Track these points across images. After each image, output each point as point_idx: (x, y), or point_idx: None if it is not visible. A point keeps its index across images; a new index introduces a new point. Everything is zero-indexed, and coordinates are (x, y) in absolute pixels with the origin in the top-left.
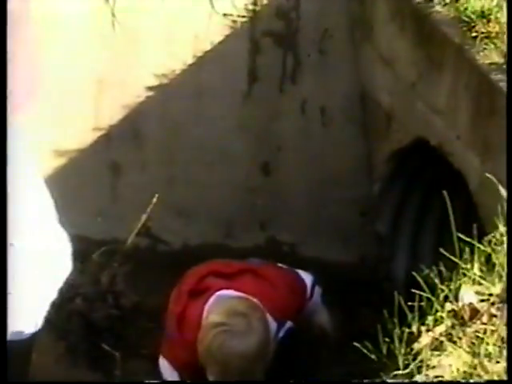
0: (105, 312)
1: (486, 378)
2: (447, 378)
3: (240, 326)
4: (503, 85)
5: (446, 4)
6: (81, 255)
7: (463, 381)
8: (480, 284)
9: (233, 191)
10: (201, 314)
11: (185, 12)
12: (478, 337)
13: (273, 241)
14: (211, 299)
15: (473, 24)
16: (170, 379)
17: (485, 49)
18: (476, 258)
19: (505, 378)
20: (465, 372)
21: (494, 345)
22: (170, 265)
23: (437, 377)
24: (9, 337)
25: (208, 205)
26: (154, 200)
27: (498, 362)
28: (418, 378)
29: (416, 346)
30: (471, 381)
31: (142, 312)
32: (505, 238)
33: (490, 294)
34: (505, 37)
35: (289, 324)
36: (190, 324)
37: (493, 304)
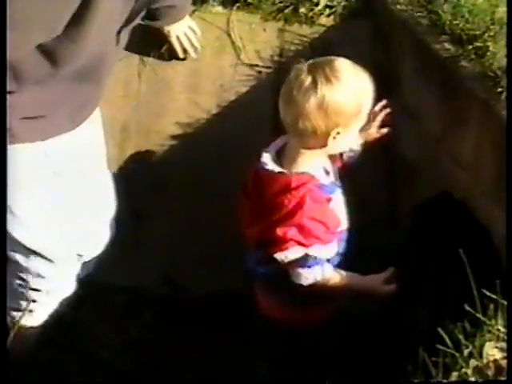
0: (135, 364)
1: None
2: None
3: None
4: None
5: (471, 59)
6: (102, 302)
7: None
8: (504, 340)
9: None
10: None
11: (210, 62)
12: None
13: None
14: None
15: (498, 79)
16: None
17: None
18: (500, 314)
19: None
20: None
21: None
22: (193, 314)
23: None
24: None
25: (232, 253)
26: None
27: None
28: None
29: None
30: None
31: (172, 363)
32: None
33: None
34: None
35: None
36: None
37: None
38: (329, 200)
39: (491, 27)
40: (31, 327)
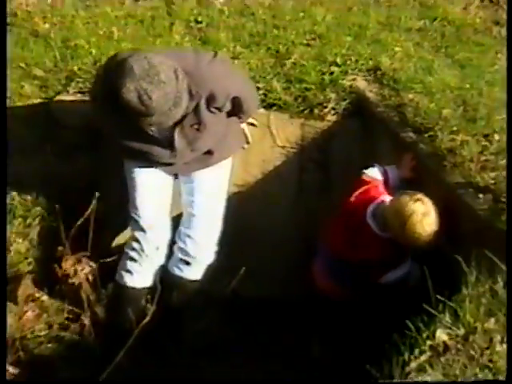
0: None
1: None
2: None
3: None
4: None
5: (426, 143)
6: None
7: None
8: (450, 328)
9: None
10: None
11: (256, 145)
12: (448, 364)
13: None
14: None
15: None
16: None
17: None
18: (446, 311)
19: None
20: None
21: (460, 368)
22: (244, 313)
23: None
24: None
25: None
26: None
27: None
28: None
29: (407, 368)
30: (471, 380)
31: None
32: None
33: (457, 335)
34: None
35: None
36: None
37: (458, 342)
38: None
39: (439, 122)
40: (133, 288)
